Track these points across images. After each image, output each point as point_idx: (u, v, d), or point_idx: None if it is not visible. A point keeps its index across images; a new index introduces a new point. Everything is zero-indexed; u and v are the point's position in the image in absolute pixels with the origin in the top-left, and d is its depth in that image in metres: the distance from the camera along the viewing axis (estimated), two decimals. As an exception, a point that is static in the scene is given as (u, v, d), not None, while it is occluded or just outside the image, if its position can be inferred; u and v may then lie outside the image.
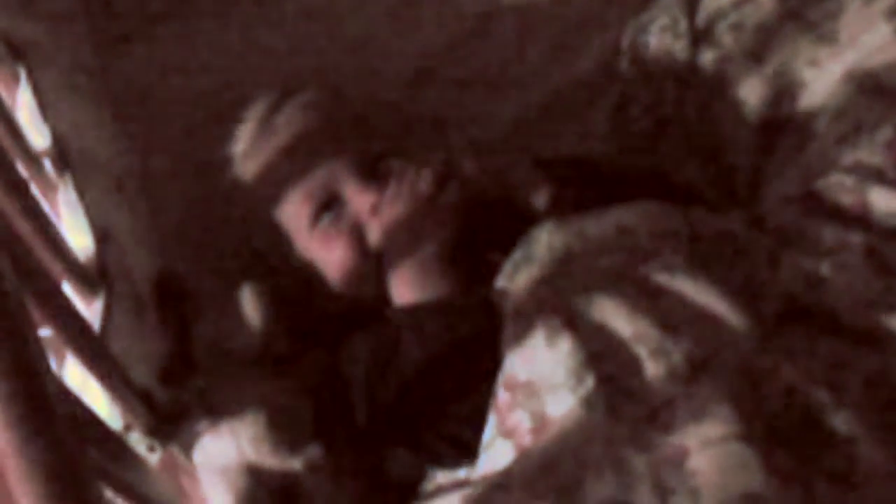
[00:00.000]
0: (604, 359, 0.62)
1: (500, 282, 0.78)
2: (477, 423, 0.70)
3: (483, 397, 0.70)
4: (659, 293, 0.65)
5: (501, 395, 0.66)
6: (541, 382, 0.63)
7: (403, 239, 0.86)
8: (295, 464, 0.78)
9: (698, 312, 0.63)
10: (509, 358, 0.68)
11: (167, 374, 0.85)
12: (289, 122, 0.95)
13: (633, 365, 0.61)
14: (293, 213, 0.93)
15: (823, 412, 0.56)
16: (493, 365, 0.70)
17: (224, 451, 0.77)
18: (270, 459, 0.78)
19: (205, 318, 0.89)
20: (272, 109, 0.97)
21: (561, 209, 0.85)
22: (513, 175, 0.91)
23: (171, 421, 0.80)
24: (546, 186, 0.89)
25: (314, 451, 0.78)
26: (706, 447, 0.55)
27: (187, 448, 0.79)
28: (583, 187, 0.89)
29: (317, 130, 0.94)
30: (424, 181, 0.87)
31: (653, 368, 0.60)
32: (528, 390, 0.64)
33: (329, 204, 0.91)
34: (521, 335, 0.67)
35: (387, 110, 1.05)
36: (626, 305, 0.64)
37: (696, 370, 0.59)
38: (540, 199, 0.89)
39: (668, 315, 0.63)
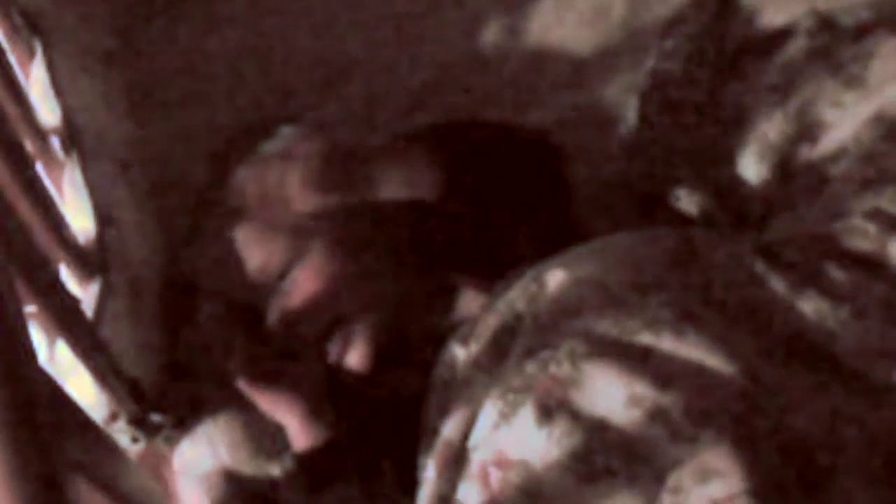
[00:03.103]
0: (605, 431, 0.60)
1: (454, 348, 0.74)
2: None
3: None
4: (647, 354, 0.63)
5: (493, 474, 0.62)
6: (535, 462, 0.61)
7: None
8: (273, 471, 0.77)
9: (690, 369, 0.61)
10: (495, 435, 0.64)
11: (166, 367, 0.84)
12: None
13: (633, 430, 0.59)
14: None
15: (822, 472, 0.55)
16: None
17: (202, 457, 0.76)
18: (247, 466, 0.76)
19: (199, 320, 0.88)
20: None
21: (459, 199, 0.82)
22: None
23: (158, 411, 0.79)
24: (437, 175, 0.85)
25: (292, 460, 0.77)
26: None
27: (171, 442, 0.78)
28: (480, 165, 0.85)
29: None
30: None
31: (654, 431, 0.58)
32: (523, 470, 0.61)
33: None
34: (508, 413, 0.63)
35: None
36: (615, 369, 0.62)
37: (696, 428, 0.57)
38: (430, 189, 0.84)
39: (660, 373, 0.61)
